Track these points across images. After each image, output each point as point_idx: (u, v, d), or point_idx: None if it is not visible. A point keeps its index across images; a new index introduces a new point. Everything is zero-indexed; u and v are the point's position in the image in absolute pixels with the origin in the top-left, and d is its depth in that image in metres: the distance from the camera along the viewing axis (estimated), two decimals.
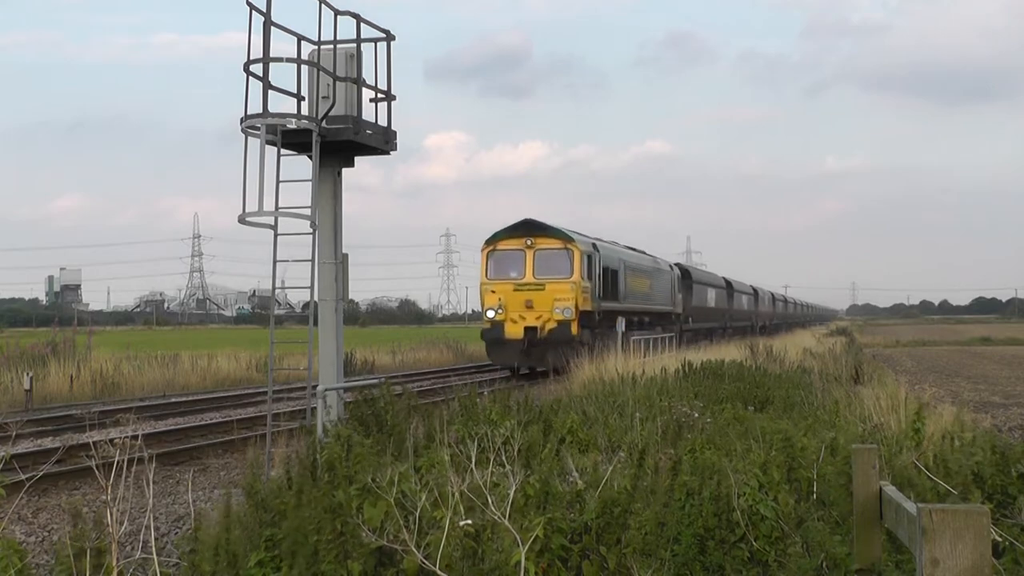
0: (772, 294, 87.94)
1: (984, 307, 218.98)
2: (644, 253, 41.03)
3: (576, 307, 28.24)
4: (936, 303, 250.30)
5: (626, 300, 33.82)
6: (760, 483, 5.74)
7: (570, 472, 6.69)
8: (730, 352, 27.08)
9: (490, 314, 28.89)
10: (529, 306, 28.45)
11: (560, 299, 28.24)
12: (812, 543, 5.41)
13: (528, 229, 29.43)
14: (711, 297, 53.99)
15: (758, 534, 5.54)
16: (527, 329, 28.35)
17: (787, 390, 14.41)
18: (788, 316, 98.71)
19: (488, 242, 29.96)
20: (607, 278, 31.46)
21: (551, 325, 28.23)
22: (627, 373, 17.41)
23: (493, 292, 28.90)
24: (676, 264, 47.70)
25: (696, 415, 10.35)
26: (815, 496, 6.21)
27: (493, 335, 28.99)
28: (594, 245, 30.69)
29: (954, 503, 5.01)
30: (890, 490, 4.04)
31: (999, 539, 4.96)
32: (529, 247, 28.99)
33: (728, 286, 60.24)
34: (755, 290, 73.12)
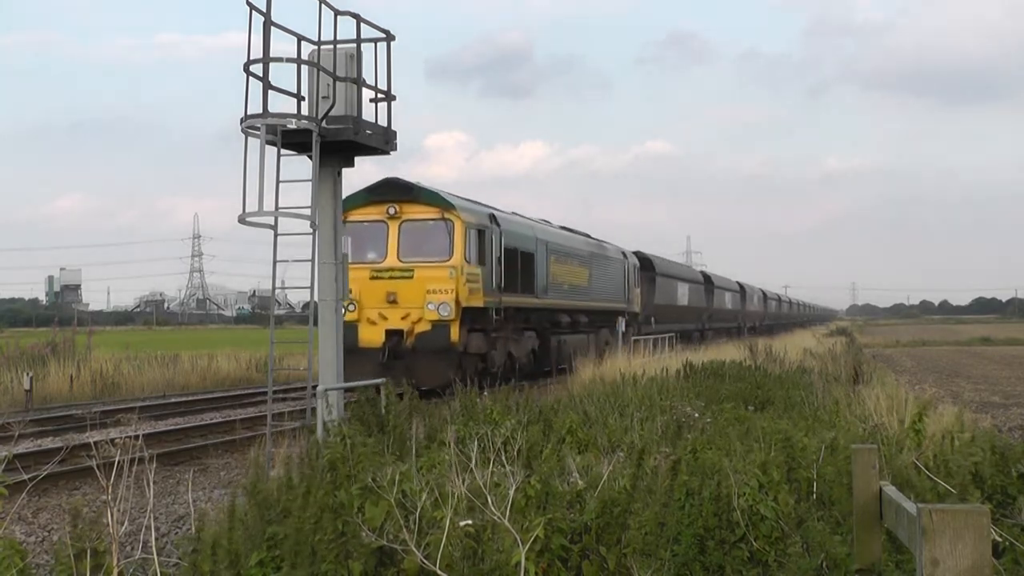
0: (763, 292, 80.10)
1: (984, 307, 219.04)
2: (589, 237, 32.70)
3: (457, 302, 20.06)
4: (936, 303, 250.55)
5: (547, 294, 25.53)
6: (760, 483, 5.74)
7: (570, 472, 6.70)
8: (729, 352, 27.06)
9: None
10: (392, 301, 20.28)
11: (435, 291, 20.10)
12: (812, 543, 5.42)
13: (391, 192, 21.06)
14: (683, 293, 46.14)
15: (758, 534, 5.54)
16: (389, 334, 20.19)
17: (787, 390, 14.41)
18: (782, 316, 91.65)
19: None
20: (514, 264, 23.25)
21: (422, 328, 20.10)
22: (628, 373, 17.45)
23: None
24: (635, 252, 37.94)
25: (696, 415, 10.35)
26: (815, 496, 6.22)
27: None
28: (492, 217, 22.46)
29: (954, 503, 5.01)
30: (890, 490, 4.04)
31: (999, 539, 4.97)
32: (393, 217, 20.78)
33: (707, 281, 53.62)
34: (742, 287, 66.24)
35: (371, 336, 20.25)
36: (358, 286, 19.86)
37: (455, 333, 20.16)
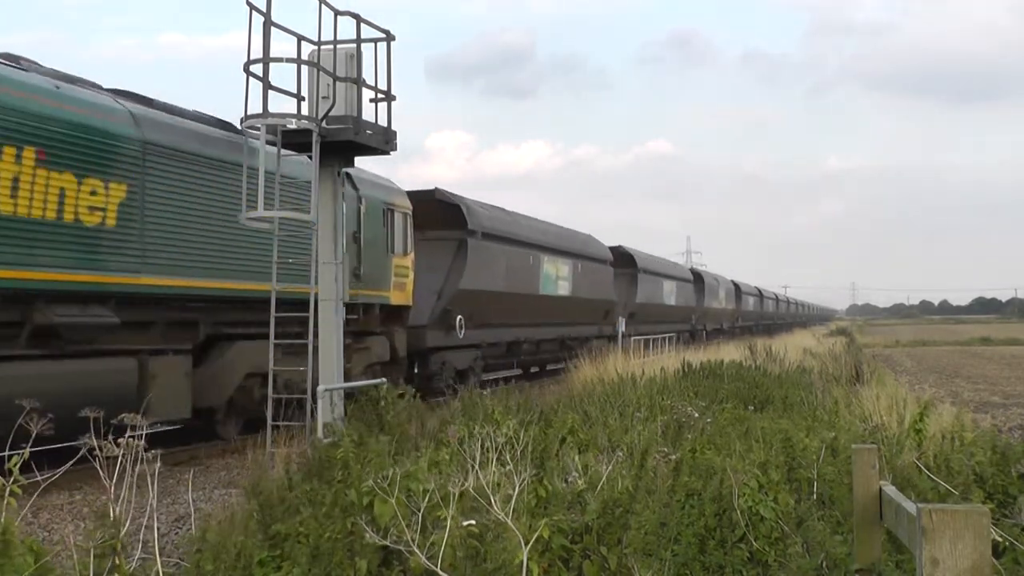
0: (736, 285, 61.29)
1: (984, 307, 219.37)
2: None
3: None
4: (936, 303, 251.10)
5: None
6: (760, 483, 5.75)
7: (570, 472, 6.71)
8: (729, 352, 27.05)
9: None
10: None
11: None
12: (812, 543, 5.42)
13: None
14: (571, 277, 26.90)
15: (758, 534, 5.54)
16: None
17: (787, 390, 14.41)
18: (767, 316, 76.69)
19: None
20: None
21: None
22: (627, 373, 17.47)
23: None
24: (431, 191, 19.88)
25: (697, 415, 10.37)
26: (815, 496, 6.23)
27: None
28: None
29: (954, 503, 5.02)
30: (890, 490, 4.05)
31: (999, 539, 4.97)
32: None
33: (625, 263, 34.47)
34: (699, 276, 50.38)
35: None
36: None
37: None
